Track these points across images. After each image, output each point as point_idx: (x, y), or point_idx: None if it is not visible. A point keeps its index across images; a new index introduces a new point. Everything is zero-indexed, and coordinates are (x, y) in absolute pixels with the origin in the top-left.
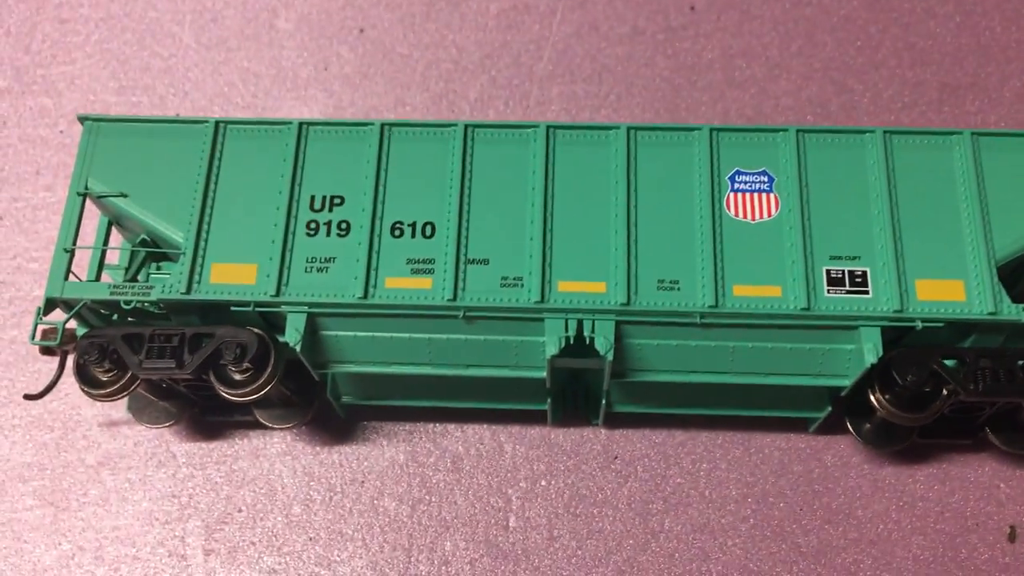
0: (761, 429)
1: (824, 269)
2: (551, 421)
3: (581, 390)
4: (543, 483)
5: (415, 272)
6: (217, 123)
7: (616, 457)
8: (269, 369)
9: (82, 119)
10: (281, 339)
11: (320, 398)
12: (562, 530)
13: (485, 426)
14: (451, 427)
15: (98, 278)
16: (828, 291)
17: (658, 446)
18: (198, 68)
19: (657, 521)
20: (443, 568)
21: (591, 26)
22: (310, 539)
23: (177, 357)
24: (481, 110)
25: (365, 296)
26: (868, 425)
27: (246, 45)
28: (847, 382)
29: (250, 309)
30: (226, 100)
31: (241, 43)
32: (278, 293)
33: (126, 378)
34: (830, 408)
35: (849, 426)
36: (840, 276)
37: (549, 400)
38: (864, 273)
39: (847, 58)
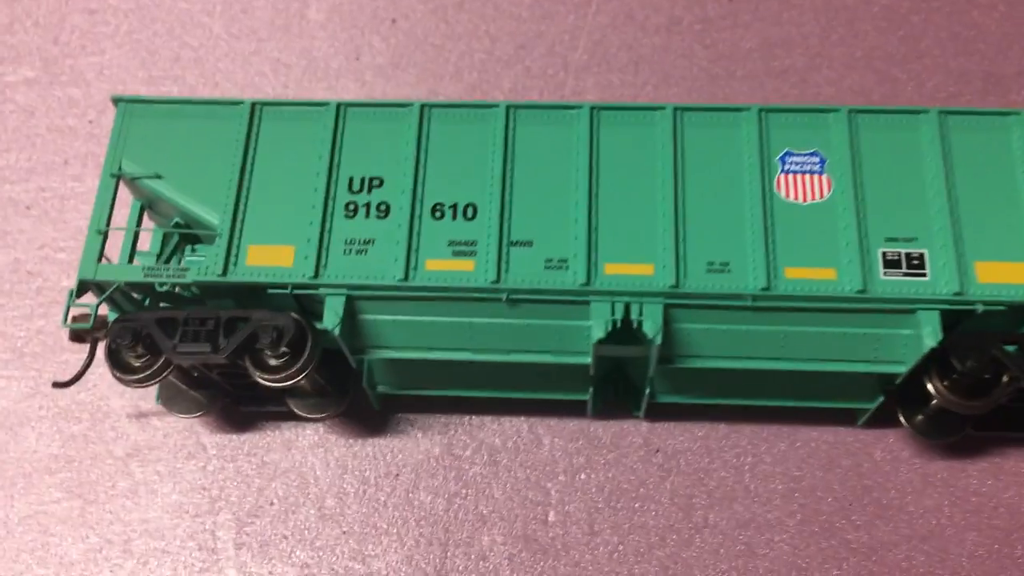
0: (807, 422)
1: (880, 251)
2: (591, 412)
3: (621, 380)
4: (583, 476)
5: (457, 254)
6: (253, 104)
7: (658, 450)
8: (306, 354)
9: (116, 100)
10: (319, 325)
11: (355, 388)
12: (603, 525)
13: (522, 418)
14: (487, 419)
15: (130, 262)
16: (884, 273)
17: (701, 439)
18: (228, 58)
19: (701, 516)
20: (480, 563)
21: (627, 16)
22: (343, 533)
23: (212, 341)
24: (515, 100)
25: (406, 278)
26: (921, 416)
27: (277, 35)
28: (903, 368)
29: (287, 292)
30: (256, 90)
31: (272, 33)
32: (316, 275)
33: (159, 363)
34: (882, 398)
35: (901, 417)
36: (896, 258)
37: (591, 390)
38: (921, 255)
39: (889, 47)
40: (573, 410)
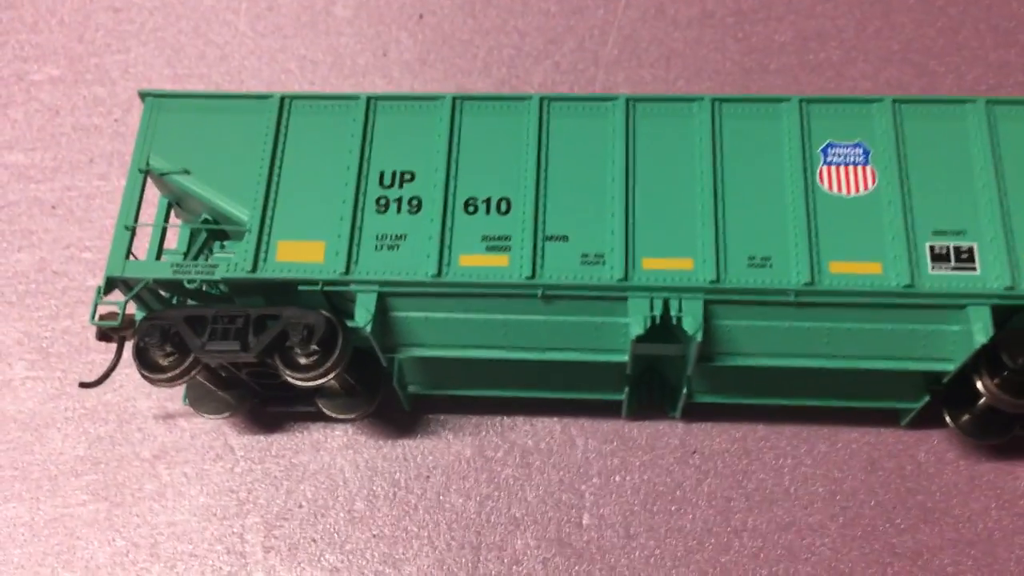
0: (848, 422)
1: (927, 245)
2: (626, 413)
3: (656, 380)
4: (617, 479)
5: (491, 249)
6: (282, 98)
7: (695, 452)
8: (337, 352)
9: (143, 95)
10: (349, 323)
11: (385, 387)
12: (639, 528)
13: (555, 419)
14: (519, 420)
15: (158, 259)
16: (932, 268)
17: (739, 440)
18: (254, 56)
19: (740, 519)
20: (514, 567)
21: (658, 10)
22: (374, 536)
23: (242, 339)
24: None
25: (439, 274)
26: (967, 416)
27: (303, 32)
28: (952, 366)
29: (318, 288)
30: (283, 87)
31: (298, 30)
32: (348, 271)
33: (188, 362)
34: (928, 397)
35: (947, 417)
36: (944, 252)
37: (627, 389)
38: (971, 249)
39: (927, 40)
40: (607, 411)
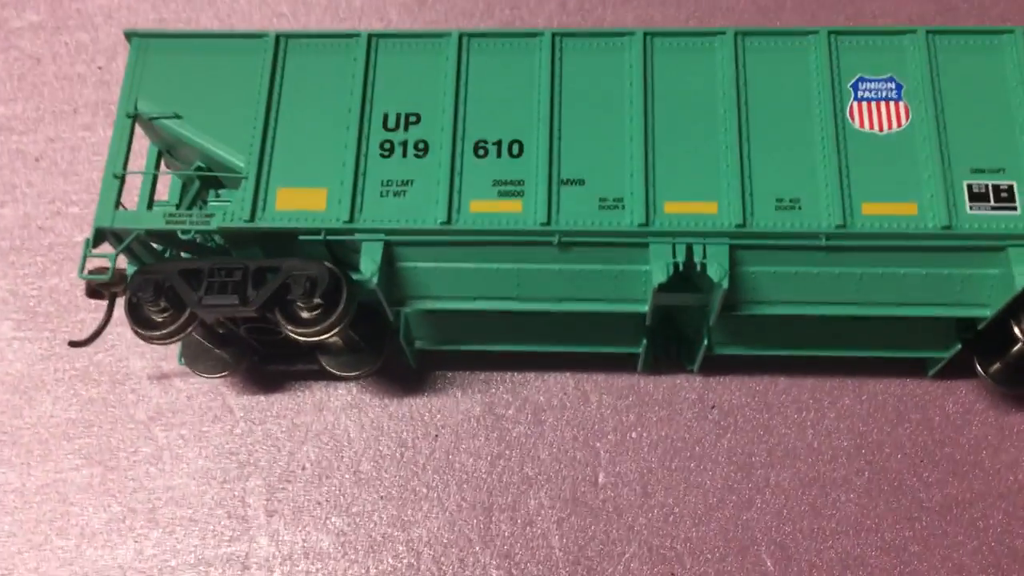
0: (873, 373)
1: (965, 183)
2: (641, 367)
3: (672, 332)
4: (633, 435)
5: (503, 195)
6: (278, 36)
7: (713, 406)
8: (341, 305)
9: (129, 35)
10: (354, 275)
11: (390, 343)
12: (656, 486)
13: (568, 374)
14: (531, 375)
15: (149, 209)
16: (970, 208)
17: (759, 394)
18: None
19: (761, 475)
20: (527, 528)
21: None
22: (381, 498)
23: (240, 293)
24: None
25: (448, 221)
26: (999, 364)
27: None
28: (988, 312)
29: (321, 238)
30: (267, 22)
31: None
32: (352, 219)
33: (183, 317)
34: (959, 345)
35: (977, 366)
36: (983, 191)
37: (644, 342)
38: (1011, 187)
39: None
40: (621, 365)
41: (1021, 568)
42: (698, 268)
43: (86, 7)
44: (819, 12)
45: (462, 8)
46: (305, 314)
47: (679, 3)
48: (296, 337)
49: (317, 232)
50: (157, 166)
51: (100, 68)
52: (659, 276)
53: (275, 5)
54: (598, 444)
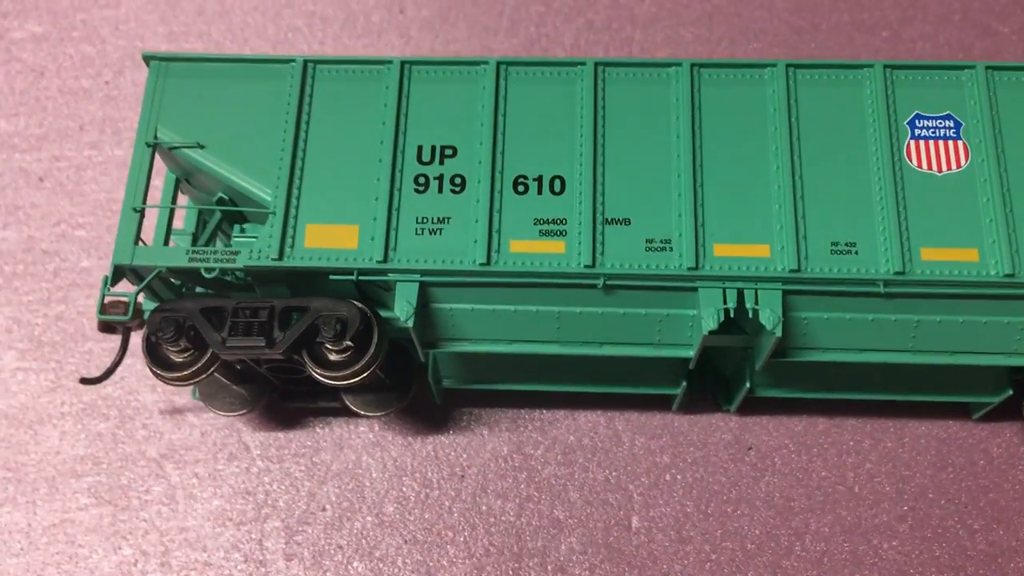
0: (915, 415)
1: None
2: (677, 407)
3: (708, 370)
4: (668, 477)
5: (544, 234)
6: (306, 62)
7: (751, 448)
8: (373, 348)
9: (148, 58)
10: (384, 313)
11: (419, 382)
12: (692, 531)
13: (599, 412)
14: (560, 414)
15: (166, 242)
16: None
17: (797, 435)
18: (258, 11)
19: (801, 521)
20: (559, 575)
21: None
22: (405, 542)
23: (266, 334)
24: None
25: (488, 262)
26: None
27: None
28: None
29: (353, 278)
30: (290, 47)
31: None
32: (385, 259)
33: (205, 358)
34: (1011, 391)
35: None
36: None
37: (683, 384)
38: None
39: None
40: (654, 403)
41: None
42: (750, 314)
43: (91, 18)
44: (857, 36)
45: (485, 24)
46: (334, 356)
47: (711, 24)
48: (324, 381)
49: (349, 272)
50: (175, 197)
51: (107, 83)
52: (709, 323)
53: (290, 19)
54: (631, 486)
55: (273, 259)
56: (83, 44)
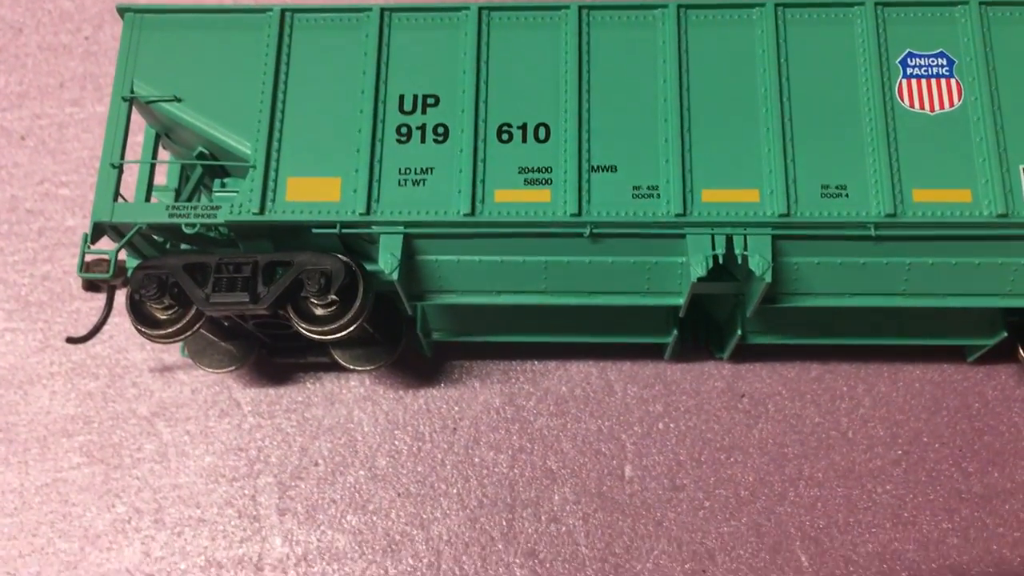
0: (909, 359)
1: (1021, 168)
2: (669, 355)
3: (701, 319)
4: (660, 426)
5: (530, 183)
6: (283, 11)
7: (744, 395)
8: (358, 302)
9: (122, 11)
10: (369, 266)
11: (407, 335)
12: (685, 479)
13: (591, 363)
14: (552, 365)
15: (147, 199)
16: None
17: (790, 382)
18: None
19: (794, 467)
20: (552, 525)
21: None
22: (399, 495)
23: (250, 289)
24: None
25: (472, 212)
26: None
27: None
28: None
29: (335, 231)
30: None
31: None
32: (368, 211)
33: (189, 315)
34: (1005, 333)
35: (1021, 352)
36: None
37: (674, 332)
38: None
39: None
40: (646, 352)
41: None
42: (739, 260)
43: None
44: None
45: None
46: (319, 311)
47: None
48: (310, 336)
49: (332, 225)
50: (155, 152)
51: (87, 38)
52: (698, 270)
53: None
54: (624, 436)
55: (254, 214)
56: None
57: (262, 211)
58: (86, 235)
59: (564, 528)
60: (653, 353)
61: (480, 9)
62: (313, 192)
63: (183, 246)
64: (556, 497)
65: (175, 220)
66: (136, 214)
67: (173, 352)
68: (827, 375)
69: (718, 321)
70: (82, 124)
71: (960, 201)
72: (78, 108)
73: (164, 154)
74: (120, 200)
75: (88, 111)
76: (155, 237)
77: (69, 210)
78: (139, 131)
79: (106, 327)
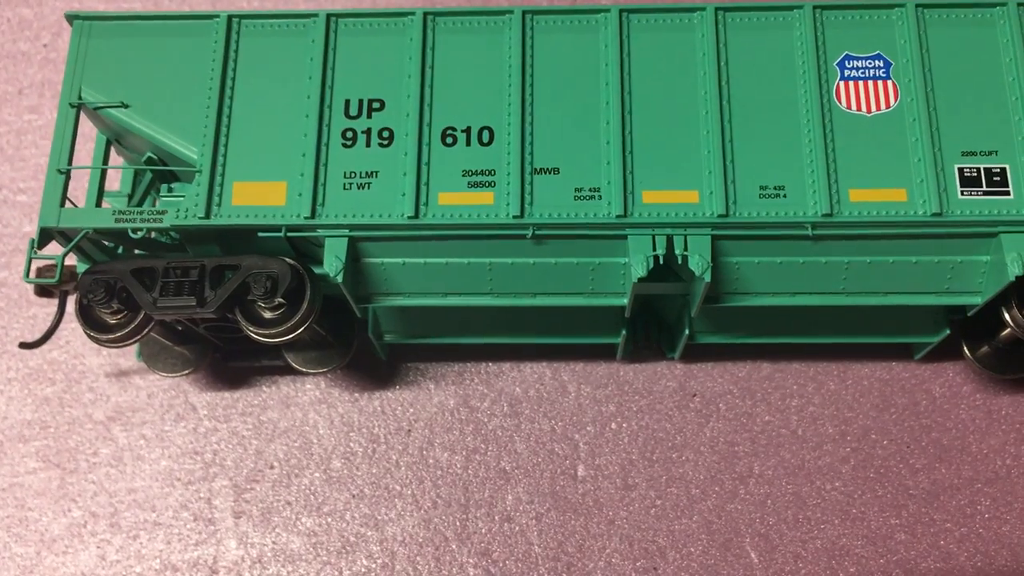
0: (858, 358)
1: (956, 167)
2: (620, 356)
3: (652, 319)
4: (613, 426)
5: (473, 186)
6: (230, 17)
7: (695, 394)
8: (305, 305)
9: (71, 17)
10: (317, 270)
11: (359, 337)
12: (638, 478)
13: (545, 364)
14: (506, 366)
15: (98, 204)
16: (962, 193)
17: (741, 381)
18: None
19: (745, 465)
20: (505, 525)
21: None
22: (353, 496)
23: (197, 294)
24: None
25: (416, 215)
26: (987, 348)
27: None
28: (980, 299)
29: (281, 235)
30: (229, 2)
31: None
32: (313, 215)
33: (138, 320)
34: (948, 331)
35: (965, 350)
36: (975, 175)
37: (623, 332)
38: (1003, 171)
39: None
40: (599, 353)
41: (1009, 554)
42: (679, 260)
43: None
44: None
45: None
46: (268, 314)
47: None
48: (258, 339)
49: (277, 229)
50: (106, 158)
51: (45, 46)
52: (639, 270)
53: None
54: (577, 436)
55: (200, 218)
56: (20, 7)
57: (208, 215)
58: (32, 240)
59: (517, 528)
60: (606, 354)
61: (425, 14)
62: (259, 196)
63: (136, 251)
64: (510, 497)
65: (121, 225)
66: (83, 219)
67: (129, 357)
68: (777, 374)
69: (669, 322)
70: (40, 131)
71: (896, 200)
72: (36, 115)
73: (117, 159)
74: (71, 206)
75: (46, 118)
76: (105, 243)
77: (27, 216)
78: (91, 137)
79: (62, 332)
